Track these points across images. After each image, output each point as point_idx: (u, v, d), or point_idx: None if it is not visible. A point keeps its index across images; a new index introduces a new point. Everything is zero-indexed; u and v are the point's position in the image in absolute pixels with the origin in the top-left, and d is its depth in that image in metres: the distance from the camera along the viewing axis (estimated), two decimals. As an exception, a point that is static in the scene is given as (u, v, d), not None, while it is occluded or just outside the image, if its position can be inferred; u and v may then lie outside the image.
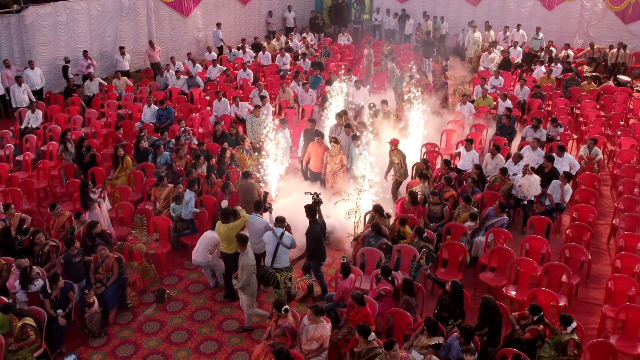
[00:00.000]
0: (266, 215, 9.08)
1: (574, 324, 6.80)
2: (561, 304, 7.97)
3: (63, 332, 7.76)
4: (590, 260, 9.10)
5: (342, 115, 12.30)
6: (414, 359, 6.64)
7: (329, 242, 9.97)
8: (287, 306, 7.18)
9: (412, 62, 17.22)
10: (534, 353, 6.95)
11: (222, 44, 20.20)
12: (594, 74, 17.32)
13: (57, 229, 9.45)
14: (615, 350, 6.93)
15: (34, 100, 14.92)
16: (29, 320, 7.26)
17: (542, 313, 7.03)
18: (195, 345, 8.01)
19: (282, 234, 8.32)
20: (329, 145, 11.59)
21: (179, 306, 8.80)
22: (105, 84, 16.53)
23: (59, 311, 7.66)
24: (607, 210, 11.24)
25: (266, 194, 9.80)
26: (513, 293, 8.42)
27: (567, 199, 10.18)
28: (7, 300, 7.72)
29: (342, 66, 17.28)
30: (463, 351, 6.44)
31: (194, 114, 14.60)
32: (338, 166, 11.04)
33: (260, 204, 8.96)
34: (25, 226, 9.38)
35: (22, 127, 13.77)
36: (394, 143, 11.02)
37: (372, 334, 6.63)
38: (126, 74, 17.14)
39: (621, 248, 9.19)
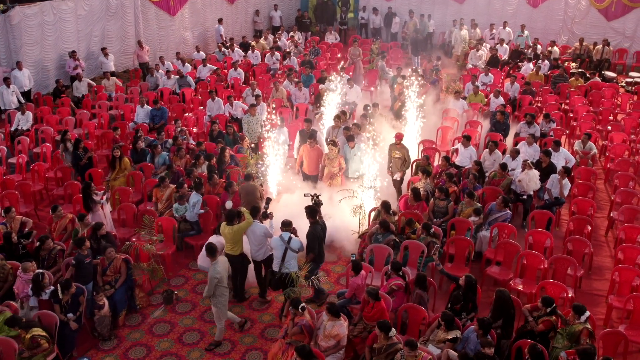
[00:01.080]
0: (266, 222, 8.80)
1: (587, 313, 6.94)
2: (569, 295, 8.11)
3: (74, 336, 7.65)
4: (592, 253, 9.27)
5: (340, 117, 12.28)
6: (431, 354, 6.70)
7: (329, 245, 9.87)
8: (304, 304, 7.18)
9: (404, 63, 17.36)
10: (547, 344, 7.05)
11: (222, 40, 20.00)
12: (579, 70, 17.63)
13: (59, 232, 9.30)
14: (627, 339, 7.10)
15: (23, 101, 14.64)
16: (38, 331, 7.10)
17: (554, 305, 7.15)
18: (208, 345, 7.94)
19: (290, 238, 8.13)
20: (325, 146, 11.54)
21: (188, 307, 8.74)
22: (95, 84, 16.30)
23: (70, 315, 7.55)
24: (603, 203, 11.46)
25: (269, 199, 9.65)
26: (520, 287, 8.54)
27: (565, 193, 10.36)
28: (15, 305, 7.61)
29: (341, 63, 17.40)
30: (482, 344, 6.51)
31: (187, 114, 14.47)
32: (336, 169, 10.93)
33: (258, 210, 8.64)
34: (26, 229, 9.23)
35: (12, 129, 13.52)
36: (399, 137, 11.07)
37: (393, 329, 6.66)
38: (112, 74, 16.89)
39: (621, 240, 9.38)
